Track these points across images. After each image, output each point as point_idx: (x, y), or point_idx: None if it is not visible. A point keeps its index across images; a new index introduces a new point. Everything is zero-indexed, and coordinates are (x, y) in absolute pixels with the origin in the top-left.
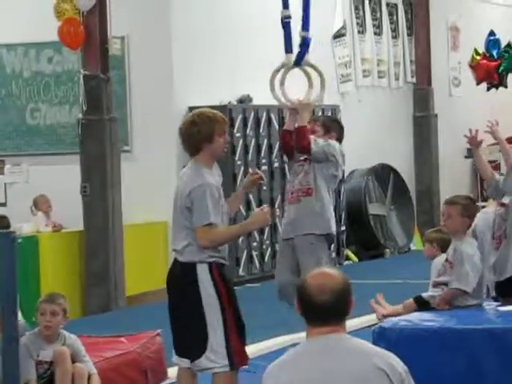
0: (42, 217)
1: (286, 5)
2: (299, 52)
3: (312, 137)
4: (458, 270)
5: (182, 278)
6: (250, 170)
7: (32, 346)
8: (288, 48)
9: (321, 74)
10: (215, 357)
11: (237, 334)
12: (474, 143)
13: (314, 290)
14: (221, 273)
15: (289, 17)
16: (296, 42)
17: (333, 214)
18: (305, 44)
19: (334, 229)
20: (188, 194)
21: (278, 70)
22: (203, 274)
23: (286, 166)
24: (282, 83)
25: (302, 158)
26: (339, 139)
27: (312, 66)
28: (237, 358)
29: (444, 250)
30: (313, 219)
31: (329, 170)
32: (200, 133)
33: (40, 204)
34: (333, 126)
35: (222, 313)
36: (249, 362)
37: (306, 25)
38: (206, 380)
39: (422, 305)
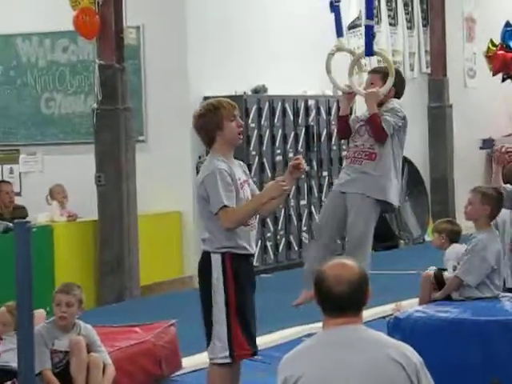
0: (56, 206)
1: None
2: (368, 42)
3: (382, 117)
4: (467, 260)
5: (200, 266)
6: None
7: (47, 336)
8: (340, 31)
9: (390, 64)
10: (217, 347)
11: (240, 327)
12: (501, 161)
13: (332, 281)
14: (235, 265)
15: (338, 0)
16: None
17: (396, 183)
18: (370, 32)
19: (392, 198)
20: (201, 183)
21: (332, 54)
22: (216, 264)
23: (300, 157)
24: (350, 74)
25: (362, 117)
26: (398, 93)
27: (380, 55)
28: (237, 350)
29: (453, 240)
30: (371, 183)
31: (398, 139)
32: (208, 122)
33: (55, 194)
34: (397, 81)
35: (225, 304)
36: (251, 355)
37: (369, 12)
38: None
39: (440, 279)
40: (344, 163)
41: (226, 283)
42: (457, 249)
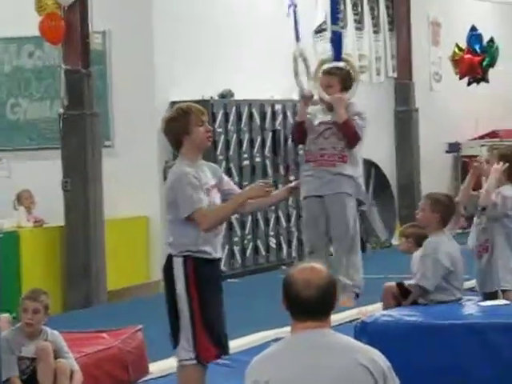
0: (23, 212)
1: None
2: (335, 47)
3: (354, 122)
4: (421, 266)
5: (164, 269)
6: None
7: (14, 342)
8: (298, 36)
9: (354, 69)
10: (184, 349)
11: (205, 330)
12: (476, 173)
13: (300, 285)
14: (198, 269)
15: (295, 5)
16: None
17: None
18: (337, 38)
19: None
20: (169, 188)
21: (296, 58)
22: (178, 268)
23: (268, 161)
24: (315, 79)
25: (327, 121)
26: (346, 88)
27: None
28: (203, 353)
29: (420, 244)
30: (348, 183)
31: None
32: (177, 126)
33: (23, 199)
34: (351, 85)
35: (189, 307)
36: (217, 357)
37: (334, 18)
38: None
39: (403, 290)
40: (305, 167)
41: (189, 287)
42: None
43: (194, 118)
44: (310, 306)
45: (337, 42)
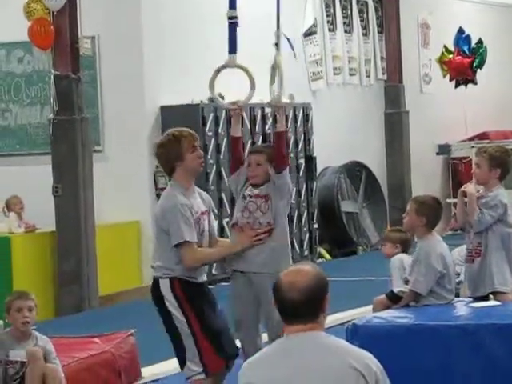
0: (14, 218)
1: (232, 5)
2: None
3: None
4: (414, 271)
5: (152, 293)
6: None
7: (1, 347)
8: (232, 48)
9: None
10: (192, 365)
11: (208, 342)
12: (463, 195)
13: (285, 287)
14: (184, 288)
15: (235, 17)
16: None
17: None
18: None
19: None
20: (162, 217)
21: (218, 71)
22: (165, 290)
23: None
24: (271, 82)
25: (247, 195)
26: None
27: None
28: (210, 365)
29: (406, 249)
30: (274, 258)
31: (287, 203)
32: (169, 152)
33: (12, 205)
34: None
35: (188, 325)
36: (225, 367)
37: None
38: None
39: (394, 300)
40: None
41: (182, 305)
42: (404, 258)
43: (186, 144)
44: (295, 308)
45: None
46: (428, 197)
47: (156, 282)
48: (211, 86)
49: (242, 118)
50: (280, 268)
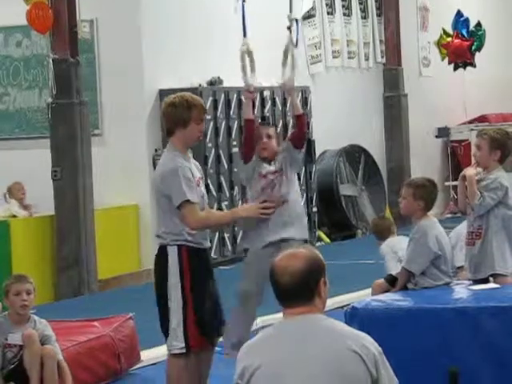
0: (15, 204)
1: None
2: (297, 34)
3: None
4: (409, 250)
5: (156, 260)
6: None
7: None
8: (245, 32)
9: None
10: (174, 338)
11: (195, 319)
12: (464, 180)
13: (278, 272)
14: (192, 257)
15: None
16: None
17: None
18: (298, 26)
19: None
20: (161, 181)
21: (245, 52)
22: (172, 257)
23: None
24: (284, 66)
25: (270, 171)
26: None
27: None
28: (192, 341)
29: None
30: (295, 225)
31: (297, 170)
32: (176, 115)
33: (14, 191)
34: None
35: (181, 296)
36: (208, 346)
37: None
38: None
39: (393, 283)
40: None
41: (183, 276)
42: (393, 241)
43: (196, 113)
44: (288, 292)
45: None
46: (423, 180)
47: (163, 248)
48: (243, 70)
49: (240, 101)
50: (295, 237)
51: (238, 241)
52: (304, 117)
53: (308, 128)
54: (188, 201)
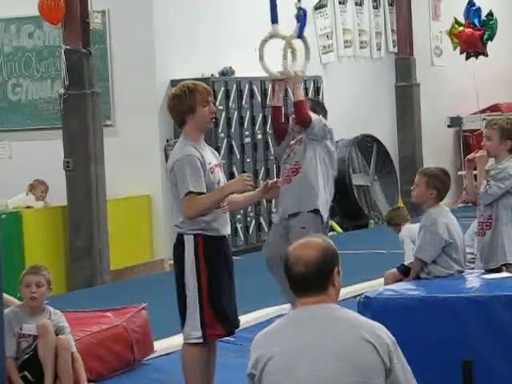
0: (32, 199)
1: None
2: (301, 24)
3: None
4: (419, 238)
5: (174, 249)
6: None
7: (15, 320)
8: (274, 18)
9: (308, 47)
10: (191, 327)
11: (212, 308)
12: (471, 167)
13: (292, 261)
14: (208, 246)
15: None
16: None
17: (324, 194)
18: (304, 15)
19: (322, 207)
20: (171, 170)
21: (266, 40)
22: (189, 246)
23: (269, 138)
24: (284, 57)
25: (293, 142)
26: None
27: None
28: (209, 331)
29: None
30: (302, 197)
31: (326, 146)
32: (182, 104)
33: (37, 190)
34: (318, 109)
35: (197, 284)
36: (224, 335)
37: None
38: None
39: (406, 273)
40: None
41: (199, 265)
42: (411, 229)
43: (200, 97)
44: (302, 282)
45: (304, 19)
46: (437, 169)
47: (181, 236)
48: (260, 56)
49: (252, 91)
50: (304, 209)
51: (251, 231)
52: (300, 102)
53: (305, 111)
54: (190, 192)
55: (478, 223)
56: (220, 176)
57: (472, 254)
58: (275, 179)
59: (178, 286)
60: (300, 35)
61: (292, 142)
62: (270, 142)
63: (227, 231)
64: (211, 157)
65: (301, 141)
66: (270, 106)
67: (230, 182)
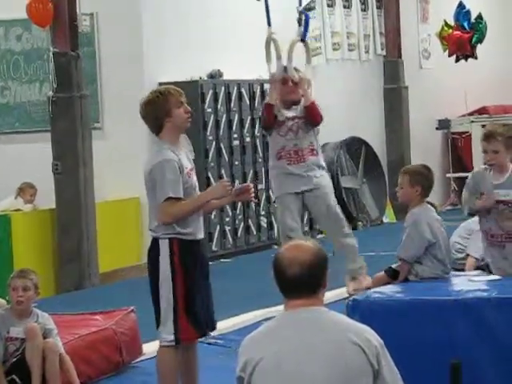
0: (21, 203)
1: None
2: (305, 28)
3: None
4: (403, 238)
5: (149, 253)
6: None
7: (1, 323)
8: (269, 21)
9: (309, 50)
10: (164, 330)
11: (186, 312)
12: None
13: (285, 263)
14: (183, 250)
15: None
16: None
17: None
18: (307, 18)
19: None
20: (149, 174)
21: (269, 42)
22: (164, 250)
23: (258, 141)
24: (290, 60)
25: (290, 116)
26: None
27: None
28: (182, 334)
29: None
30: (322, 175)
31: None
32: (157, 110)
33: (25, 193)
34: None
35: (173, 289)
36: (198, 338)
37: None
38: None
39: (394, 276)
40: (278, 164)
41: (174, 269)
42: None
43: (173, 99)
44: (295, 283)
45: (307, 22)
46: (418, 166)
47: (155, 241)
48: (268, 56)
49: (241, 94)
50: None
51: (239, 233)
52: (311, 105)
53: (317, 112)
54: (168, 198)
55: (499, 234)
56: (194, 180)
57: (464, 246)
58: (248, 183)
59: (153, 291)
60: (303, 39)
61: (288, 117)
62: (258, 144)
63: (202, 235)
64: (186, 161)
65: (304, 118)
66: (256, 108)
67: (210, 188)
